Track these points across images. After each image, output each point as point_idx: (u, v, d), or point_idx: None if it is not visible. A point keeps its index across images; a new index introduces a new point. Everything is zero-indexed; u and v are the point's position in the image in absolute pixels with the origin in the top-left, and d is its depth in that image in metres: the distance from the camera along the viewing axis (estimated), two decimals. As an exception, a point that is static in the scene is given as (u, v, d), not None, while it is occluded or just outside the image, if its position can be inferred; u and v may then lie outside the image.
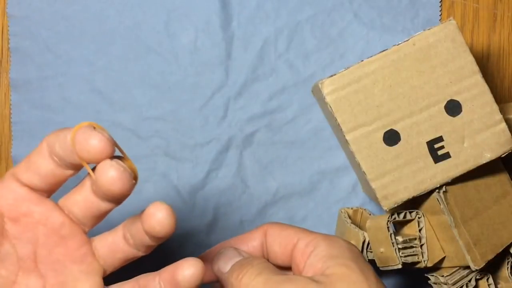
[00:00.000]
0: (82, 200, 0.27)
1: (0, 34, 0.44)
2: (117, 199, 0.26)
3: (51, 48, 0.43)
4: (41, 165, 0.25)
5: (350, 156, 0.39)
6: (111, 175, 0.24)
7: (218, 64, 0.44)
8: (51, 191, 0.27)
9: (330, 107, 0.36)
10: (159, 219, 0.25)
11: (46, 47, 0.43)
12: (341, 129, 0.36)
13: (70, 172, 0.26)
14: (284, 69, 0.44)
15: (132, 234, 0.27)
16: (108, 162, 0.24)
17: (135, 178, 0.25)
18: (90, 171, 0.25)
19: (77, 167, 0.26)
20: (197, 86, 0.44)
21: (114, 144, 0.25)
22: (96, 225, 0.28)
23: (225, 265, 0.29)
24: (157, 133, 0.44)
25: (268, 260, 0.31)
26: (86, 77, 0.43)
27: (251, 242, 0.31)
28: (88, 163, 0.25)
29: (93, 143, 0.24)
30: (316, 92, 0.39)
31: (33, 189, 0.26)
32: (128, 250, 0.27)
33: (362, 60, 0.36)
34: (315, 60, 0.44)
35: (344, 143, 0.38)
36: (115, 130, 0.43)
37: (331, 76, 0.36)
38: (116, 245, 0.27)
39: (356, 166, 0.39)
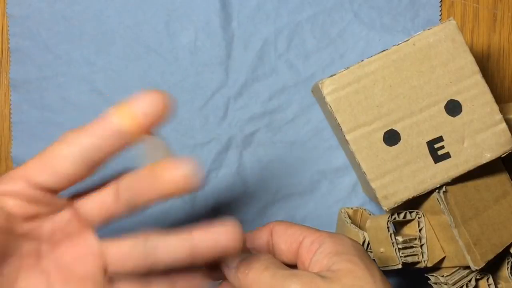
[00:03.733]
0: (100, 199, 0.26)
1: (0, 34, 0.44)
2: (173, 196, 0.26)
3: (51, 48, 0.43)
4: (61, 167, 0.25)
5: (350, 156, 0.39)
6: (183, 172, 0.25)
7: (218, 64, 0.44)
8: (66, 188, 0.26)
9: (330, 107, 0.36)
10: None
11: (46, 47, 0.43)
12: (341, 129, 0.36)
13: (91, 170, 0.26)
14: (284, 69, 0.44)
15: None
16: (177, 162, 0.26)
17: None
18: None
19: (102, 161, 0.26)
20: (197, 86, 0.44)
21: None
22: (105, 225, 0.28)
23: (231, 261, 0.29)
24: (157, 133, 0.44)
25: (276, 256, 0.31)
26: (86, 77, 0.43)
27: (257, 241, 0.31)
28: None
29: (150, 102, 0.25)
30: (316, 92, 0.39)
31: (46, 189, 0.25)
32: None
33: (362, 60, 0.36)
34: (315, 60, 0.44)
35: (344, 143, 0.38)
36: (115, 130, 0.43)
37: (331, 76, 0.36)
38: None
39: (356, 166, 0.39)
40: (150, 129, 0.26)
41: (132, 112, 0.25)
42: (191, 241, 0.27)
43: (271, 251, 0.31)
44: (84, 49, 0.43)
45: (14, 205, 0.25)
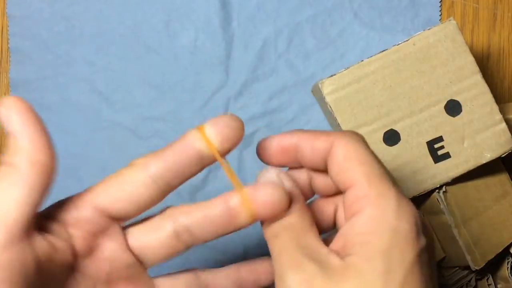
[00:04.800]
0: (159, 244, 0.24)
1: (0, 34, 0.44)
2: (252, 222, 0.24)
3: (51, 48, 0.43)
4: (137, 195, 0.23)
5: (350, 156, 0.39)
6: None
7: (218, 64, 0.44)
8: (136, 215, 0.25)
9: (330, 107, 0.36)
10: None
11: (46, 47, 0.43)
12: (341, 129, 0.36)
13: (166, 194, 0.25)
14: (284, 69, 0.44)
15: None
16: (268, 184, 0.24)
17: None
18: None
19: (179, 185, 0.25)
20: (197, 86, 0.44)
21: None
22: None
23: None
24: (157, 133, 0.44)
25: (329, 175, 0.25)
26: (86, 77, 0.43)
27: (315, 142, 0.25)
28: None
29: (233, 126, 0.24)
30: (316, 92, 0.39)
31: (116, 219, 0.24)
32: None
33: (362, 60, 0.36)
34: (315, 60, 0.44)
35: (344, 143, 0.38)
36: (115, 130, 0.43)
37: (331, 76, 0.36)
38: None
39: (356, 166, 0.39)
40: (226, 153, 0.24)
41: (212, 136, 0.24)
42: (238, 277, 0.27)
43: (325, 168, 0.25)
44: (84, 49, 0.43)
45: (79, 237, 0.23)
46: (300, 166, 0.27)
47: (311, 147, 0.25)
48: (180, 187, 0.46)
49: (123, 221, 0.24)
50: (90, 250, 0.23)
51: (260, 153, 0.27)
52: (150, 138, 0.44)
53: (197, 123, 0.44)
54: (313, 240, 0.23)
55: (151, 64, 0.44)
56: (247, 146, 0.44)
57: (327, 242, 0.24)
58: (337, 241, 0.23)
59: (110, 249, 0.24)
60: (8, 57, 0.43)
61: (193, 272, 0.27)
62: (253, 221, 0.24)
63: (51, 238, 0.22)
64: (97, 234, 0.23)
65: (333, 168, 0.24)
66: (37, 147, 0.21)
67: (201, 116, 0.44)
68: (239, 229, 0.25)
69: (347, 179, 0.24)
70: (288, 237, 0.23)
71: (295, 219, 0.24)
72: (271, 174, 0.26)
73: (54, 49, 0.43)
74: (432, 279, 0.23)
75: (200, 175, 0.44)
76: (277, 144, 0.26)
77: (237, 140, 0.24)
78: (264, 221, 0.25)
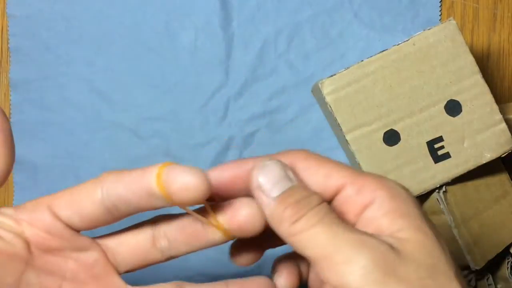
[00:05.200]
0: (135, 243, 0.24)
1: (0, 34, 0.44)
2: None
3: (51, 48, 0.43)
4: (86, 209, 0.23)
5: (350, 156, 0.39)
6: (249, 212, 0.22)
7: (218, 64, 0.44)
8: (88, 229, 0.25)
9: (330, 107, 0.36)
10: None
11: (46, 47, 0.43)
12: (341, 129, 0.36)
13: (117, 219, 0.24)
14: (284, 69, 0.44)
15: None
16: (243, 200, 0.23)
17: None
18: (211, 214, 0.23)
19: (130, 214, 0.24)
20: (197, 86, 0.44)
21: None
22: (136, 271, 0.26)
23: (271, 187, 0.23)
24: (157, 133, 0.44)
25: None
26: (86, 77, 0.43)
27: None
28: (179, 204, 0.22)
29: (194, 179, 0.21)
30: (316, 92, 0.39)
31: (68, 226, 0.24)
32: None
33: (362, 60, 0.36)
34: (315, 60, 0.44)
35: (344, 143, 0.38)
36: (115, 130, 0.43)
37: (331, 76, 0.36)
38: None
39: (356, 166, 0.39)
40: (185, 205, 0.23)
41: (172, 183, 0.22)
42: None
43: None
44: (84, 49, 0.43)
45: (34, 234, 0.23)
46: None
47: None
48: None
49: (79, 231, 0.24)
50: (48, 247, 0.24)
51: (202, 188, 0.23)
52: (150, 138, 0.44)
53: (197, 123, 0.44)
54: (347, 230, 0.22)
55: (151, 64, 0.44)
56: (247, 146, 0.44)
57: None
58: (367, 229, 0.22)
59: (70, 248, 0.24)
60: (8, 57, 0.43)
61: (177, 284, 0.26)
62: (229, 239, 0.24)
63: (2, 235, 0.23)
64: (54, 234, 0.24)
65: (311, 178, 0.24)
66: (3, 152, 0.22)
67: (201, 116, 0.44)
68: (216, 245, 0.25)
69: (334, 181, 0.23)
70: (334, 222, 0.21)
71: (326, 208, 0.22)
72: (276, 168, 0.23)
73: (54, 49, 0.43)
74: None
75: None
76: (229, 175, 0.24)
77: (192, 197, 0.21)
78: (288, 214, 0.22)
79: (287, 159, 0.24)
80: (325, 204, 0.22)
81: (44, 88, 0.43)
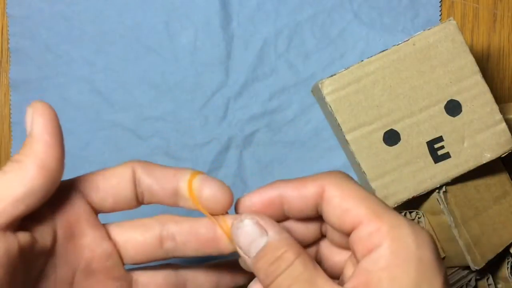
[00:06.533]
0: (142, 242, 0.25)
1: (0, 34, 0.44)
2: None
3: (51, 48, 0.43)
4: (120, 191, 0.24)
5: (350, 156, 0.39)
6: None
7: (218, 64, 0.44)
8: (113, 211, 0.26)
9: (330, 107, 0.36)
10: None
11: (46, 47, 0.43)
12: (341, 129, 0.36)
13: (139, 204, 0.25)
14: (284, 69, 0.44)
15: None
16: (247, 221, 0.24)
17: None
18: (218, 224, 0.25)
19: (152, 203, 0.25)
20: (197, 86, 0.44)
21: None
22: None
23: (247, 248, 0.24)
24: (157, 133, 0.44)
25: (325, 220, 0.25)
26: (86, 77, 0.43)
27: (302, 191, 0.24)
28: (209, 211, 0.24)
29: (222, 192, 0.24)
30: (316, 92, 0.39)
31: (96, 209, 0.25)
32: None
33: (362, 60, 0.36)
34: (315, 60, 0.44)
35: (344, 143, 0.38)
36: (115, 130, 0.43)
37: (331, 76, 0.36)
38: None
39: (356, 166, 0.39)
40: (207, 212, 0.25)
41: (203, 191, 0.24)
42: (217, 274, 0.28)
43: (319, 210, 0.25)
44: (84, 49, 0.43)
45: (63, 221, 0.24)
46: (284, 219, 0.26)
47: (299, 196, 0.24)
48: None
49: (100, 212, 0.25)
50: (71, 235, 0.24)
51: (241, 212, 0.26)
52: (150, 138, 0.44)
53: (197, 123, 0.44)
54: (328, 284, 0.22)
55: (151, 64, 0.44)
56: (247, 146, 0.44)
57: (341, 282, 0.24)
58: (358, 278, 0.22)
59: (92, 236, 0.25)
60: (8, 57, 0.43)
61: (172, 268, 0.27)
62: (234, 250, 0.25)
63: (33, 227, 0.22)
64: (79, 220, 0.24)
65: (333, 212, 0.24)
66: (49, 153, 0.22)
67: (201, 116, 0.44)
68: (221, 254, 0.25)
69: (352, 218, 0.23)
70: (303, 286, 0.22)
71: (298, 267, 0.22)
72: (249, 227, 0.24)
73: (54, 49, 0.43)
74: None
75: (200, 175, 0.44)
76: (259, 200, 0.25)
77: (223, 204, 0.25)
78: (262, 277, 0.23)
79: (317, 185, 0.24)
80: (297, 262, 0.23)
81: (44, 88, 0.43)
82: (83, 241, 0.24)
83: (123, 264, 0.26)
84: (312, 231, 0.26)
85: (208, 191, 0.24)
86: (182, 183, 0.24)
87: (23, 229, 0.22)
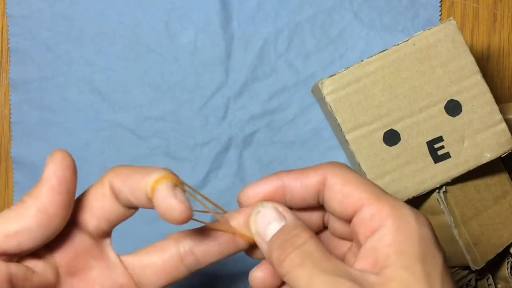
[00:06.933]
0: (162, 264, 0.24)
1: (0, 34, 0.44)
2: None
3: (51, 48, 0.43)
4: (109, 209, 0.24)
5: (350, 156, 0.39)
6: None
7: (218, 64, 0.44)
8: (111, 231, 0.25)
9: (330, 107, 0.36)
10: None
11: (46, 47, 0.43)
12: (341, 129, 0.36)
13: (134, 210, 0.25)
14: (284, 69, 0.44)
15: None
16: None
17: None
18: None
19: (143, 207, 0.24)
20: (197, 86, 0.44)
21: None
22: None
23: (264, 233, 0.24)
24: (157, 133, 0.44)
25: (326, 209, 0.25)
26: (86, 77, 0.43)
27: (305, 181, 0.25)
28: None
29: (175, 210, 0.22)
30: (316, 92, 0.39)
31: (95, 236, 0.24)
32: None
33: (362, 60, 0.36)
34: (315, 60, 0.44)
35: (344, 143, 0.38)
36: (115, 130, 0.43)
37: (331, 76, 0.36)
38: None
39: (356, 166, 0.39)
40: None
41: (160, 203, 0.23)
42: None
43: (320, 199, 0.25)
44: (84, 49, 0.43)
45: (63, 256, 0.23)
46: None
47: (301, 185, 0.25)
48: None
49: (106, 238, 0.25)
50: (76, 270, 0.24)
51: (244, 203, 0.26)
52: (150, 138, 0.44)
53: (197, 123, 0.44)
54: (338, 263, 0.22)
55: (151, 64, 0.44)
56: (247, 146, 0.44)
57: (349, 263, 0.24)
58: (365, 259, 0.23)
59: (99, 269, 0.24)
60: (8, 57, 0.43)
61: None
62: (251, 242, 0.25)
63: (30, 262, 0.23)
64: (81, 254, 0.24)
65: (334, 197, 0.24)
66: (52, 198, 0.22)
67: (201, 116, 0.44)
68: (240, 250, 0.25)
69: (354, 202, 0.24)
70: (314, 263, 0.22)
71: (313, 246, 0.23)
72: (268, 211, 0.25)
73: (54, 49, 0.43)
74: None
75: (201, 175, 0.44)
76: (262, 191, 0.26)
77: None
78: (276, 255, 0.23)
79: (319, 174, 0.25)
80: (311, 241, 0.23)
81: (44, 88, 0.43)
82: (90, 275, 0.24)
83: None
84: (314, 222, 0.27)
85: (164, 205, 0.22)
86: (148, 190, 0.23)
87: (19, 262, 0.22)
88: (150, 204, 0.23)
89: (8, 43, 0.43)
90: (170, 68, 0.44)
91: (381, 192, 0.24)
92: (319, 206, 0.26)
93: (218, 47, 0.44)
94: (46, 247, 0.23)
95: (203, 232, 0.25)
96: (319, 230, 0.27)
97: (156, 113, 0.44)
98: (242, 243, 0.25)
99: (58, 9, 0.43)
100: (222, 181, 0.44)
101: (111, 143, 0.43)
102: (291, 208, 0.26)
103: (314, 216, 0.27)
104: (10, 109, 0.43)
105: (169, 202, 0.22)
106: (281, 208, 0.25)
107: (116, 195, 0.24)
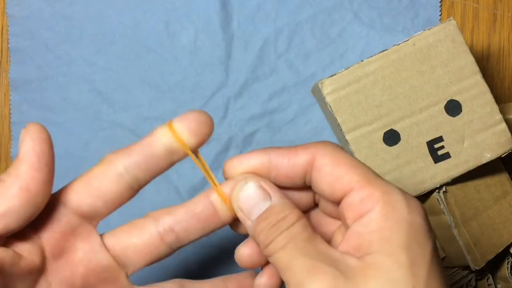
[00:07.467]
0: (142, 244, 0.24)
1: (0, 34, 0.44)
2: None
3: (51, 48, 0.43)
4: (108, 190, 0.23)
5: (350, 156, 0.39)
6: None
7: (218, 64, 0.44)
8: (110, 212, 0.25)
9: (330, 107, 0.36)
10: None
11: (46, 47, 0.43)
12: (341, 129, 0.36)
13: (135, 192, 0.24)
14: (284, 69, 0.44)
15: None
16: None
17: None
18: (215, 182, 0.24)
19: (147, 182, 0.24)
20: (197, 86, 0.44)
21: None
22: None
23: (249, 211, 0.24)
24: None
25: (314, 190, 0.25)
26: (86, 77, 0.43)
27: (293, 159, 0.24)
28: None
29: (201, 115, 0.23)
30: (316, 92, 0.39)
31: (86, 217, 0.24)
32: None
33: (362, 60, 0.36)
34: (315, 60, 0.44)
35: (344, 143, 0.38)
36: (115, 130, 0.43)
37: (331, 76, 0.36)
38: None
39: (356, 166, 0.39)
40: (196, 147, 0.24)
41: (181, 130, 0.23)
42: (224, 287, 0.27)
43: (307, 180, 0.24)
44: (84, 49, 0.43)
45: (49, 238, 0.23)
46: None
47: (289, 163, 0.24)
48: (180, 187, 0.46)
49: (95, 220, 0.24)
50: (61, 252, 0.23)
51: (229, 175, 0.25)
52: (150, 138, 0.44)
53: (197, 123, 0.44)
54: (322, 245, 0.22)
55: (151, 64, 0.44)
56: (247, 146, 0.44)
57: (333, 245, 0.23)
58: (349, 242, 0.22)
59: (83, 250, 0.24)
60: (8, 57, 0.43)
61: (178, 282, 0.26)
62: (234, 216, 0.25)
63: (17, 245, 0.22)
64: (67, 235, 0.23)
65: (323, 179, 0.23)
66: (33, 175, 0.21)
67: (201, 116, 0.44)
68: (222, 226, 0.25)
69: (343, 185, 0.23)
70: (297, 246, 0.22)
71: (298, 228, 0.23)
72: (252, 187, 0.24)
73: (54, 49, 0.43)
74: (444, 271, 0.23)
75: (201, 175, 0.44)
76: (248, 164, 0.25)
77: (206, 134, 0.24)
78: (261, 238, 0.23)
79: (308, 153, 0.24)
80: (298, 223, 0.23)
81: (44, 88, 0.43)
82: (75, 256, 0.24)
83: (127, 273, 0.25)
84: (304, 200, 0.26)
85: (194, 122, 0.23)
86: (166, 137, 0.23)
87: (6, 246, 0.21)
88: (166, 160, 0.23)
89: (8, 43, 0.43)
90: (170, 68, 0.44)
91: (374, 175, 0.23)
92: (306, 187, 0.25)
93: (218, 47, 0.44)
94: (32, 227, 0.23)
95: (182, 208, 0.25)
96: (310, 208, 0.27)
97: (156, 113, 0.44)
98: (224, 218, 0.25)
99: (58, 9, 0.43)
100: (222, 181, 0.44)
101: (111, 143, 0.43)
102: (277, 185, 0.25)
103: (304, 194, 0.26)
104: (10, 109, 0.43)
105: (193, 112, 0.23)
106: (266, 185, 0.24)
107: (120, 175, 0.23)
